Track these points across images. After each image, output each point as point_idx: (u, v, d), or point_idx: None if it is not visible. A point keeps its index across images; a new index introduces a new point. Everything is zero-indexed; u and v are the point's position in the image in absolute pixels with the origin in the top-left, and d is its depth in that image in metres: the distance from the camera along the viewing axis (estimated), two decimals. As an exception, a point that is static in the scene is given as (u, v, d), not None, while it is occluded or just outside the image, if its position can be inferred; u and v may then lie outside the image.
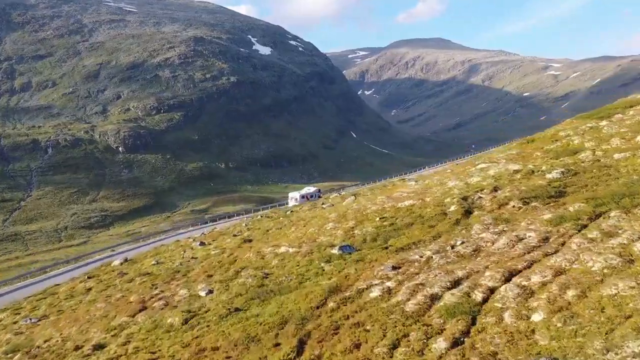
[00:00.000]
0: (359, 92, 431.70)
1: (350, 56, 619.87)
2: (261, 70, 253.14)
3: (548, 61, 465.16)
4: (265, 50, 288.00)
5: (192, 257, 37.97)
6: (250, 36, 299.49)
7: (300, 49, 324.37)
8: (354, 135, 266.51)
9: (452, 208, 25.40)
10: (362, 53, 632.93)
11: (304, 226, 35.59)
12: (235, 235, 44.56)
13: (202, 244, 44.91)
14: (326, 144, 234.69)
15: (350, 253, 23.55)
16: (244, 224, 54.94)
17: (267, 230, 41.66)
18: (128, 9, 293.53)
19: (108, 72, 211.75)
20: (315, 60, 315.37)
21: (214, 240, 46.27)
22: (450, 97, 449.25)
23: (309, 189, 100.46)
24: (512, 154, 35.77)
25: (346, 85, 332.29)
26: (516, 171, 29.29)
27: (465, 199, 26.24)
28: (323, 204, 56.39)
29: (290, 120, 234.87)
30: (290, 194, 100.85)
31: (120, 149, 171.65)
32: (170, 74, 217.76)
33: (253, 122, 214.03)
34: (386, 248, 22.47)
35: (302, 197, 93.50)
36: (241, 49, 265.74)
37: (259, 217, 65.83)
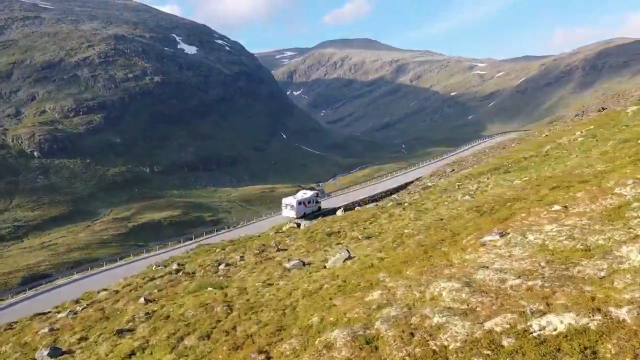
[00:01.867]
0: (288, 93, 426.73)
1: (277, 56, 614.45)
2: (187, 69, 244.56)
3: (473, 61, 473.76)
4: (190, 50, 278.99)
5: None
6: (174, 35, 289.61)
7: (227, 48, 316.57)
8: (284, 137, 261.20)
9: None
10: (289, 53, 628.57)
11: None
12: (120, 334, 22.55)
13: (54, 351, 22.67)
14: (256, 146, 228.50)
15: None
16: (143, 299, 28.91)
17: (181, 339, 18.92)
18: (43, 5, 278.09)
19: (22, 72, 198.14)
20: (243, 60, 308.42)
21: (80, 341, 24.29)
22: (379, 97, 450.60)
23: (305, 193, 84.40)
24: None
25: (275, 86, 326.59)
26: None
27: None
28: (279, 248, 35.60)
29: (218, 121, 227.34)
30: (285, 200, 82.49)
31: (35, 153, 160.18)
32: (90, 73, 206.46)
33: (179, 123, 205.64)
34: None
35: (300, 203, 78.52)
36: (165, 48, 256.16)
37: (174, 266, 40.00)
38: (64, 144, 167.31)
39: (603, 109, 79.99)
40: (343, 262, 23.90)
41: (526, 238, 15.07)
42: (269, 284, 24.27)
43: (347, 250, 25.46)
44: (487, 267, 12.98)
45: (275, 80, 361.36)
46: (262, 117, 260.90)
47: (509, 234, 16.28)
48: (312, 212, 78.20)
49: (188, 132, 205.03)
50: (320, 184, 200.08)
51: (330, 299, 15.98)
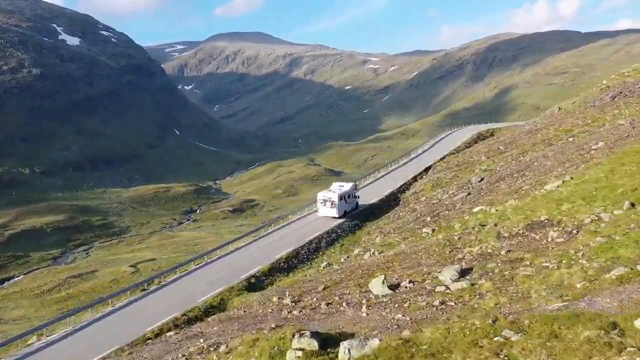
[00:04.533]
0: (179, 88, 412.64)
1: (167, 50, 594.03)
2: (69, 61, 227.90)
3: (366, 55, 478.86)
4: (73, 41, 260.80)
5: None
6: (55, 25, 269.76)
7: (113, 40, 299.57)
8: (178, 133, 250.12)
9: None
10: (179, 47, 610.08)
11: None
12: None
13: None
14: (149, 143, 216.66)
15: None
16: None
17: None
18: None
19: None
20: (131, 52, 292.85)
21: None
22: (273, 91, 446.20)
23: (342, 186, 66.55)
24: None
25: (166, 79, 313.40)
26: None
27: None
28: None
29: (106, 117, 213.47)
30: (321, 195, 64.50)
31: None
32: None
33: (63, 120, 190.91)
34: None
35: (341, 198, 62.57)
36: (45, 39, 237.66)
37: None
38: None
39: None
40: None
41: None
42: None
43: None
44: None
45: (166, 74, 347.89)
46: (154, 112, 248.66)
47: None
48: (351, 209, 64.73)
49: (73, 129, 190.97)
50: (218, 182, 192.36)
51: None
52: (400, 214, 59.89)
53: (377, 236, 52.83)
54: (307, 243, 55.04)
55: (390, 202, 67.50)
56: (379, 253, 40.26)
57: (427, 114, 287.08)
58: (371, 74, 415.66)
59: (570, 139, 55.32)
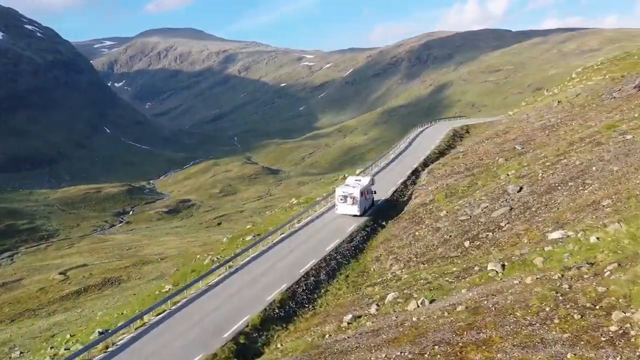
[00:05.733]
0: (109, 85, 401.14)
1: (96, 46, 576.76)
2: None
3: (301, 52, 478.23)
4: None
5: None
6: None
7: (39, 34, 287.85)
8: (108, 131, 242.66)
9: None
10: (109, 43, 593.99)
11: None
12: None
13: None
14: (78, 141, 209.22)
15: None
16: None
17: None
18: None
19: None
20: (58, 47, 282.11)
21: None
22: (207, 88, 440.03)
23: (359, 180, 57.71)
24: None
25: (95, 76, 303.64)
26: None
27: None
28: None
29: (32, 114, 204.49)
30: (340, 191, 55.22)
31: None
32: None
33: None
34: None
35: (362, 194, 54.22)
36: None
37: None
38: None
39: None
40: None
41: None
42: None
43: None
44: None
45: (96, 70, 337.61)
46: (83, 109, 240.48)
47: None
48: (369, 206, 56.97)
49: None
50: (151, 181, 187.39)
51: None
52: (416, 233, 46.53)
53: (392, 264, 41.08)
54: (304, 277, 40.70)
55: (389, 213, 56.50)
56: (430, 302, 26.80)
57: (362, 111, 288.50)
58: (306, 71, 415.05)
59: (629, 137, 43.92)
